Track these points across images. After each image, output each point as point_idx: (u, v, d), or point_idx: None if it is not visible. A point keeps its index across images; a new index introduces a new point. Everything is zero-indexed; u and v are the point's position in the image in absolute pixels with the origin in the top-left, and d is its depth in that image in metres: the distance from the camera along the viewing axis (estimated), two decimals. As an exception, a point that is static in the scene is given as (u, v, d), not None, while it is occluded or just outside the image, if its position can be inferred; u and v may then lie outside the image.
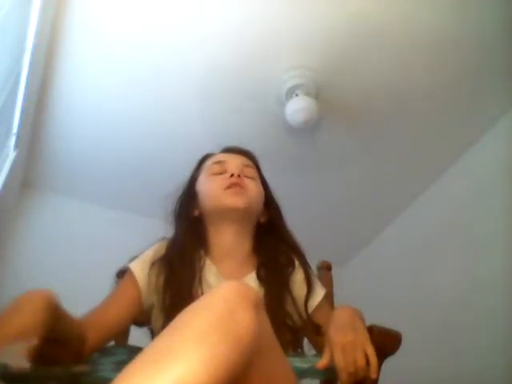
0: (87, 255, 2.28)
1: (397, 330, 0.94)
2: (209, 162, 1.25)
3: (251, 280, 1.11)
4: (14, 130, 1.95)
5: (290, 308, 1.10)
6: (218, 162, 1.23)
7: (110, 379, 0.57)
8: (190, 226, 1.18)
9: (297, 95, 2.00)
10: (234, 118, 2.20)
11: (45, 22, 1.73)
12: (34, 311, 0.75)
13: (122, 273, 1.21)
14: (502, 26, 1.85)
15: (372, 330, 0.91)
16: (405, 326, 1.01)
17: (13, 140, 1.97)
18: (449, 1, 1.80)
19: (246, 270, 1.13)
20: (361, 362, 0.84)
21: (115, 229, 2.50)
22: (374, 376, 0.84)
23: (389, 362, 0.91)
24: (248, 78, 2.05)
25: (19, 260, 2.18)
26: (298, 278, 1.14)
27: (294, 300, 1.11)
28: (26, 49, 1.73)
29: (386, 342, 0.91)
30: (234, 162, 1.22)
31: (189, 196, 1.23)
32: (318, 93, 2.04)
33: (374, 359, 0.85)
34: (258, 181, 1.24)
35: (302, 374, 0.89)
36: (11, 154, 1.97)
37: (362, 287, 2.61)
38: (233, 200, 1.13)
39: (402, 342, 0.93)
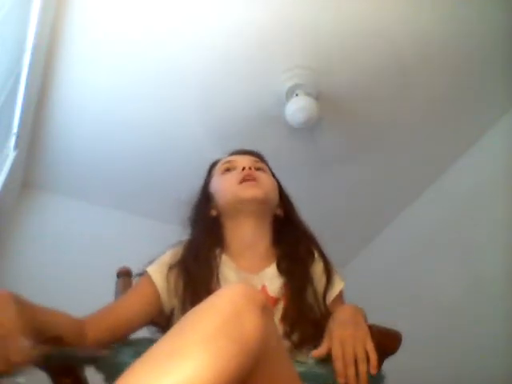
0: (87, 255, 2.28)
1: (397, 330, 0.94)
2: (218, 165, 1.27)
3: (272, 272, 1.10)
4: (14, 129, 1.95)
5: (311, 299, 1.08)
6: (228, 162, 1.24)
7: (129, 363, 0.57)
8: (207, 227, 1.17)
9: (297, 95, 2.00)
10: (234, 118, 2.20)
11: (45, 22, 1.73)
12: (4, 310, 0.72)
13: (123, 273, 1.21)
14: (502, 26, 1.85)
15: (372, 330, 0.91)
16: (405, 326, 1.01)
17: (13, 140, 1.97)
18: (449, 1, 1.80)
19: (265, 263, 1.12)
20: (360, 354, 0.84)
21: (115, 229, 2.50)
22: (373, 372, 0.84)
23: (389, 362, 0.91)
24: (248, 77, 2.05)
25: (19, 260, 2.18)
26: (317, 270, 1.14)
27: (315, 291, 1.10)
28: (26, 49, 1.73)
29: (386, 342, 0.91)
30: (244, 159, 1.23)
31: (204, 199, 1.23)
32: (318, 93, 2.04)
33: (373, 354, 0.85)
34: (270, 174, 1.25)
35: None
36: (11, 154, 1.97)
37: (362, 287, 2.60)
38: (249, 192, 1.13)
39: (402, 342, 0.93)
